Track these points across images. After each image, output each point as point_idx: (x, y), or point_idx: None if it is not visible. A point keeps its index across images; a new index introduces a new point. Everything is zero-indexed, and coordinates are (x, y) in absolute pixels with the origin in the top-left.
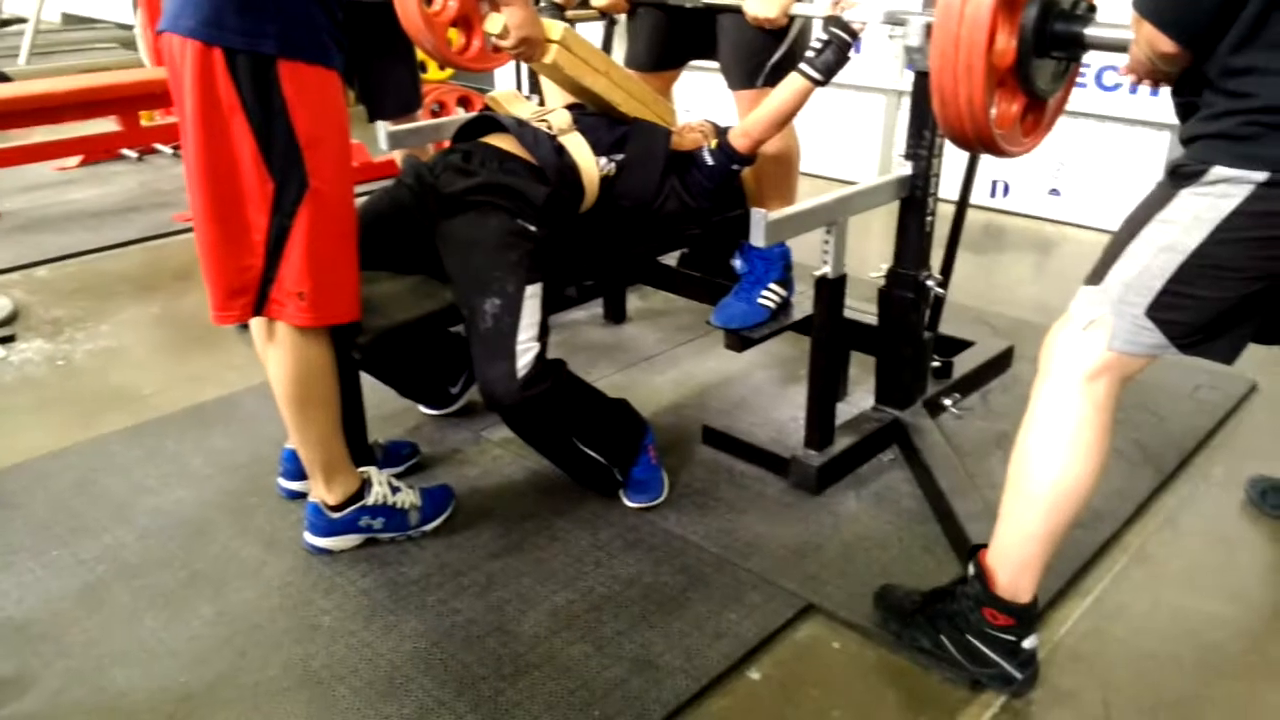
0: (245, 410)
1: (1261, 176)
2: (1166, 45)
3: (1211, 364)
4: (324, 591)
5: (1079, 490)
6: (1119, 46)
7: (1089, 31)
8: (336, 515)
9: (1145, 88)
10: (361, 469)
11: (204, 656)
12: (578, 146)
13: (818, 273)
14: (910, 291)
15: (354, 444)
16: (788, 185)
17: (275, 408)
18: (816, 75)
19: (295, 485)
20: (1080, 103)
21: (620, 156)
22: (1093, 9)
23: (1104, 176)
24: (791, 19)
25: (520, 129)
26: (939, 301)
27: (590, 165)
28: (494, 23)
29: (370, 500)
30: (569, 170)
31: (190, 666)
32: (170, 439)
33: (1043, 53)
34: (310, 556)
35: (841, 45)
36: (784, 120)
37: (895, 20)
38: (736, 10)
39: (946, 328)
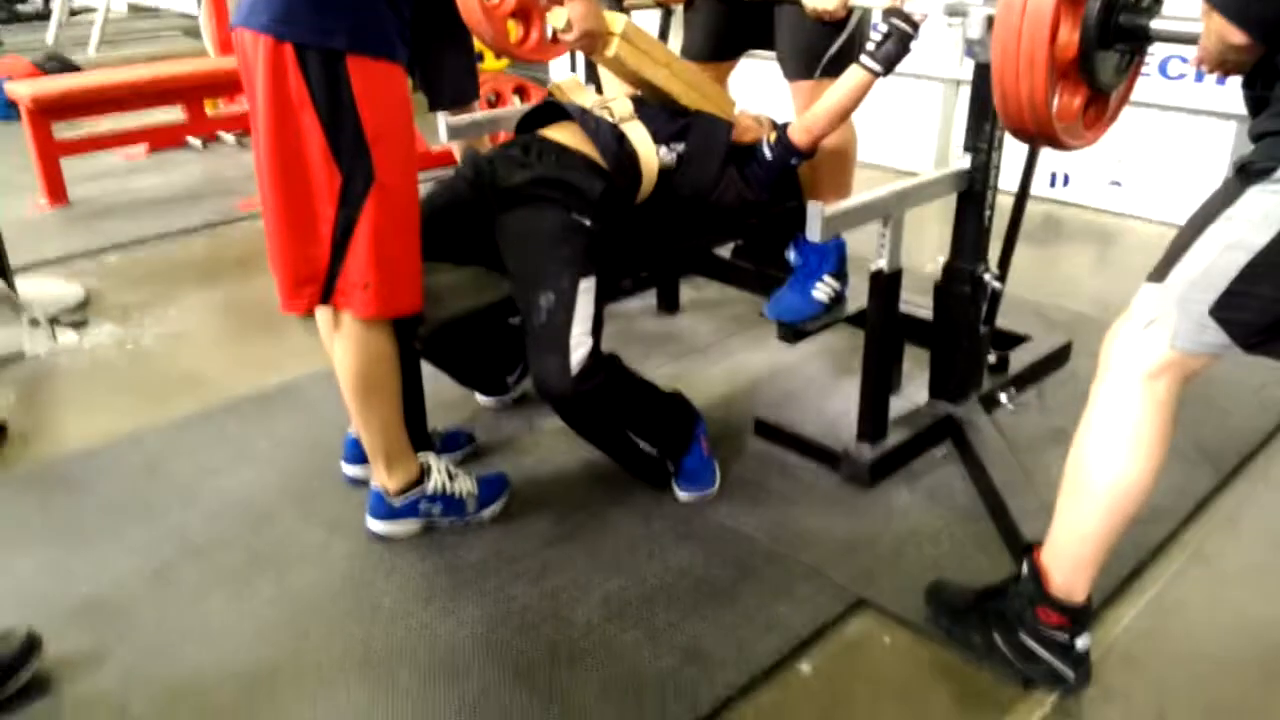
0: (307, 396)
1: None
2: (1237, 37)
3: (1277, 363)
4: (385, 574)
5: (1137, 490)
6: (1186, 39)
7: (1155, 24)
8: (397, 501)
9: (1210, 77)
10: (421, 455)
11: (268, 636)
12: (639, 135)
13: (873, 266)
14: (967, 286)
15: (414, 431)
16: (844, 178)
17: (337, 394)
18: (877, 68)
19: (356, 470)
20: (1143, 92)
21: (680, 147)
22: (1159, 1)
23: (1166, 168)
24: (850, 10)
25: (583, 115)
26: (996, 296)
27: (650, 154)
28: (558, 16)
29: (429, 487)
30: (628, 158)
31: (255, 645)
32: (235, 423)
33: (1106, 45)
34: (371, 541)
35: (902, 37)
36: (844, 114)
37: (956, 11)
38: (795, 2)
39: (1003, 321)
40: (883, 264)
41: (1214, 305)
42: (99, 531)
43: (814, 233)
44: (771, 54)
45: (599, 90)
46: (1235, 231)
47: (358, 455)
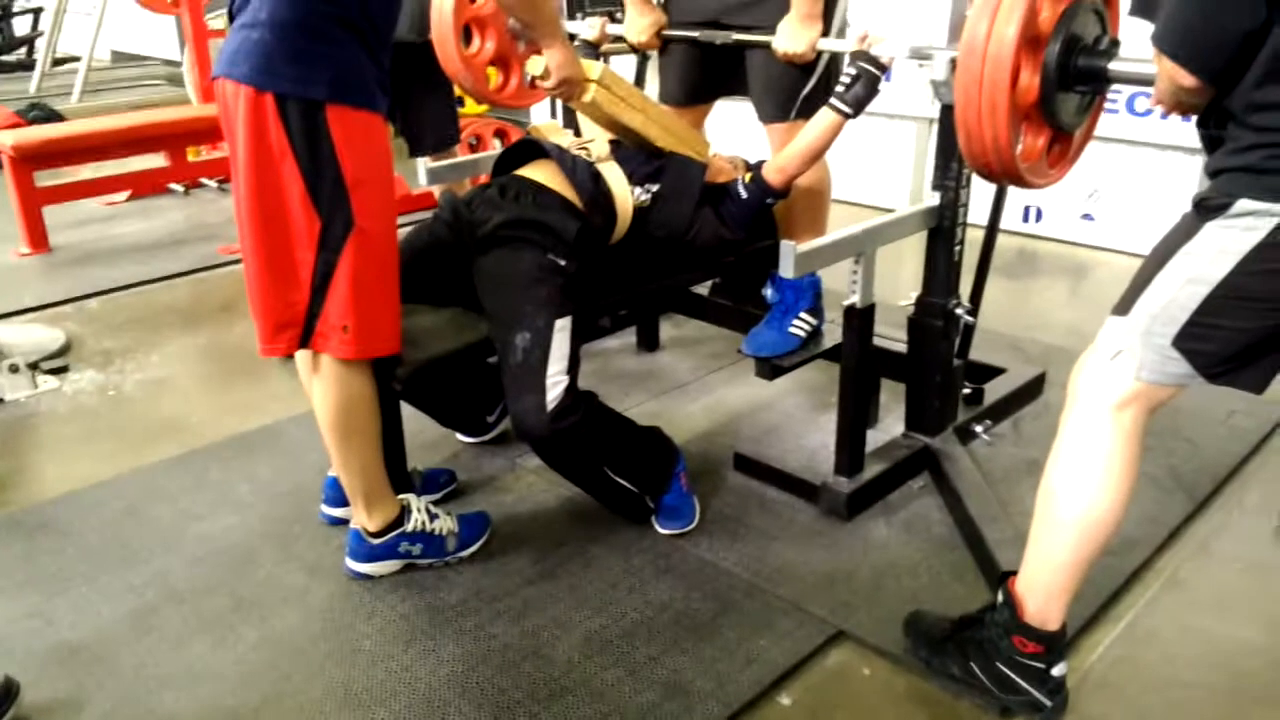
0: (288, 439)
1: None
2: (1187, 80)
3: (1244, 394)
4: (365, 616)
5: (1108, 520)
6: (1143, 81)
7: (1112, 66)
8: (377, 541)
9: (1174, 118)
10: (401, 496)
11: (249, 680)
12: (614, 175)
13: (846, 302)
14: (939, 320)
15: (394, 472)
16: (818, 215)
17: (317, 437)
18: (847, 109)
19: (337, 512)
20: (1112, 128)
21: (655, 187)
22: (1116, 44)
23: (1137, 201)
24: (820, 53)
25: (560, 154)
26: (969, 329)
27: (625, 194)
28: (535, 64)
29: (409, 527)
30: (604, 197)
31: (236, 689)
32: (216, 467)
33: (1066, 88)
34: (351, 582)
35: (870, 79)
36: (817, 155)
37: (921, 55)
38: (765, 46)
39: (978, 354)
40: (855, 299)
41: (1176, 337)
42: (79, 576)
43: (787, 269)
44: (744, 98)
45: (577, 134)
46: (1194, 266)
47: (338, 497)
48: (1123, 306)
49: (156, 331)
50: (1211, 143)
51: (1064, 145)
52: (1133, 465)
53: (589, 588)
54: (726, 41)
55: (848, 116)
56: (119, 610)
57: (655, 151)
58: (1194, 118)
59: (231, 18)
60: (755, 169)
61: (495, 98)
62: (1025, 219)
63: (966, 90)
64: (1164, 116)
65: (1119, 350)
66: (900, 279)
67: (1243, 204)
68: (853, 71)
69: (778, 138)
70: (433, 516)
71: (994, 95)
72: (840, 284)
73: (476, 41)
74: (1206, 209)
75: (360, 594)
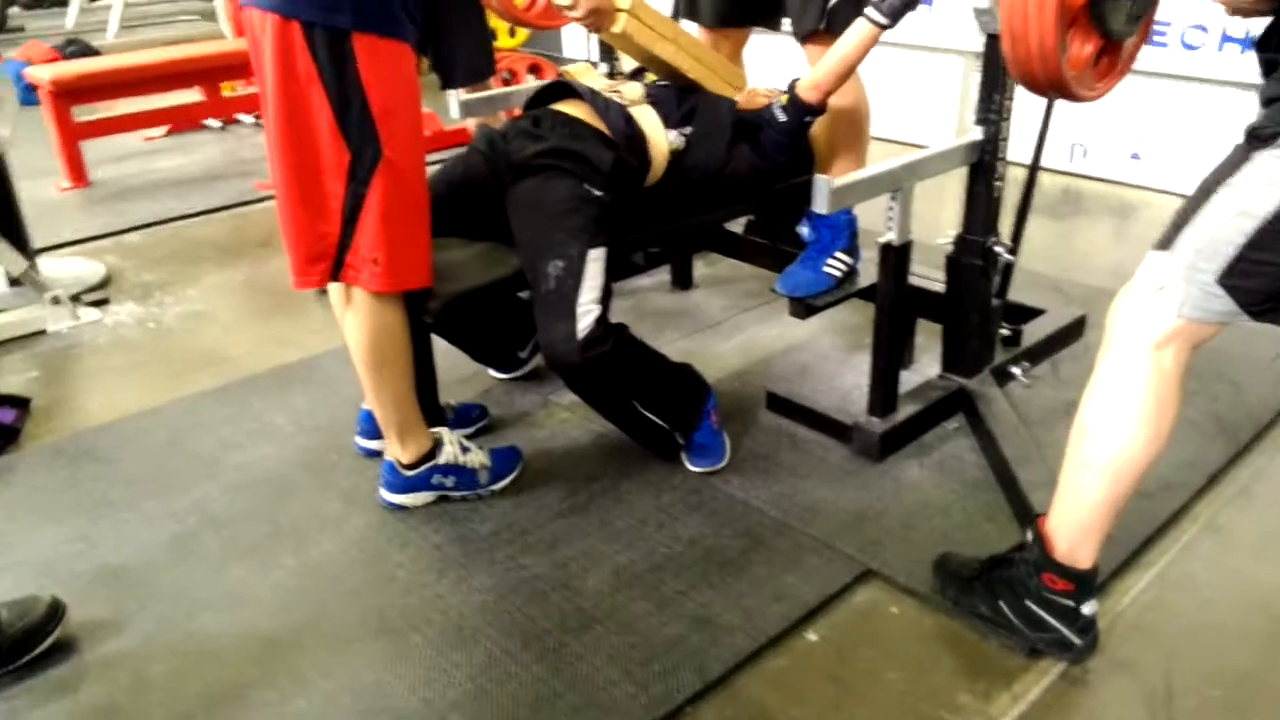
0: (325, 372)
1: None
2: None
3: None
4: (399, 546)
5: (1142, 459)
6: None
7: None
8: (410, 473)
9: (1232, 48)
10: (434, 429)
11: (286, 605)
12: (648, 118)
13: (882, 239)
14: (978, 258)
15: (426, 405)
16: (858, 144)
17: (353, 370)
18: (883, 20)
19: (372, 444)
20: (1162, 63)
21: (688, 130)
22: None
23: (1187, 140)
24: None
25: (593, 96)
26: (1008, 268)
27: (659, 137)
28: None
29: (442, 459)
30: (637, 139)
31: (273, 614)
32: (255, 399)
33: None
34: (386, 512)
35: None
36: (851, 67)
37: None
38: None
39: (1018, 295)
40: (892, 237)
41: (1222, 273)
42: (121, 502)
43: (821, 205)
44: (776, 32)
45: (612, 73)
46: (1242, 198)
47: (372, 429)
48: (1165, 241)
49: (195, 265)
50: (1270, 67)
51: (1113, 56)
52: (1170, 405)
53: (619, 523)
54: None
55: (884, 28)
56: (160, 535)
57: (687, 85)
58: (1250, 52)
59: None
60: (790, 89)
61: (522, 17)
62: (1071, 158)
63: None
64: (1221, 48)
65: (1161, 286)
66: (940, 218)
67: None
68: None
69: (815, 55)
70: (465, 450)
71: None
72: (877, 223)
73: None
74: (1258, 139)
75: (394, 524)
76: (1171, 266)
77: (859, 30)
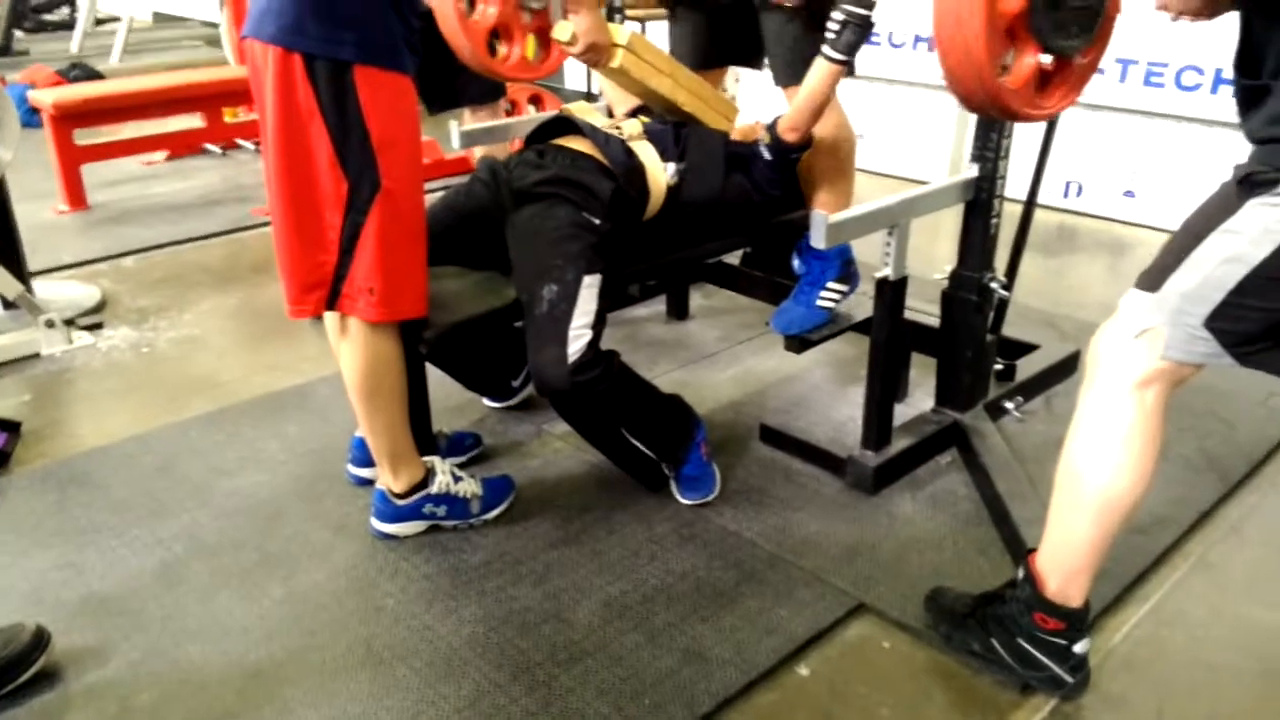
0: (318, 399)
1: None
2: None
3: None
4: (389, 575)
5: (1129, 497)
6: None
7: None
8: (402, 502)
9: (1226, 91)
10: (426, 458)
11: (274, 634)
12: (647, 153)
13: (879, 274)
14: (973, 294)
15: (419, 434)
16: (843, 179)
17: (346, 397)
18: (839, 56)
19: (363, 472)
20: (1158, 103)
21: (682, 165)
22: None
23: (1180, 178)
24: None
25: (594, 131)
26: (1003, 304)
27: (657, 171)
28: (563, 30)
29: (434, 488)
30: (637, 173)
31: (261, 643)
32: (247, 425)
33: (1056, 1)
34: (376, 541)
35: (859, 22)
36: (820, 106)
37: None
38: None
39: (1012, 330)
40: (888, 272)
41: (1209, 317)
42: (109, 529)
43: (818, 240)
44: (756, 69)
45: (610, 113)
46: (1234, 245)
47: (364, 457)
48: (1151, 282)
49: (190, 290)
50: (1249, 95)
51: (1062, 73)
52: (1154, 442)
53: (611, 554)
54: None
55: (841, 64)
56: (148, 563)
57: (682, 118)
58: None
59: None
60: (771, 128)
61: (497, 68)
62: (1065, 194)
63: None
64: (1215, 89)
65: (1145, 328)
66: (935, 253)
67: None
68: (839, 17)
69: (793, 96)
70: (457, 479)
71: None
72: (875, 257)
73: (479, 7)
74: (1251, 183)
75: (384, 553)
76: (1156, 309)
77: (819, 69)
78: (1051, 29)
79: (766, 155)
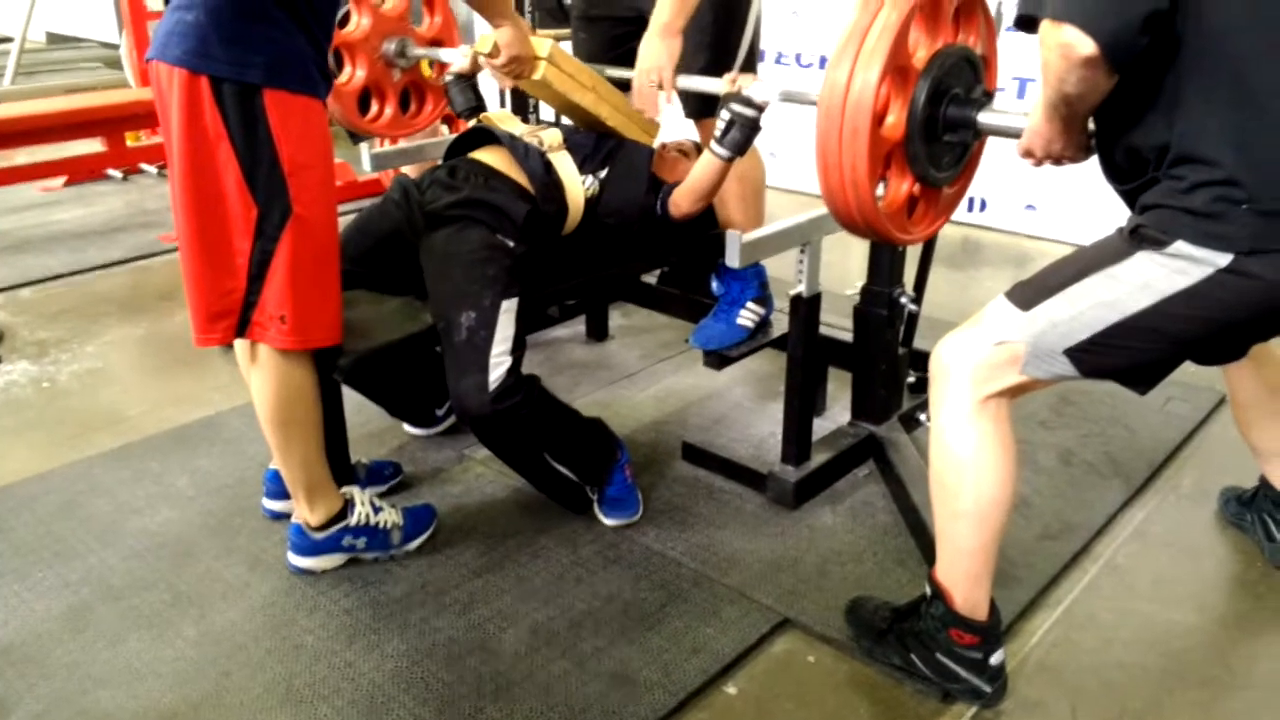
0: (230, 431)
1: (1224, 261)
2: (1086, 46)
3: (1182, 376)
4: (307, 611)
5: (1003, 498)
6: (1017, 134)
7: (983, 117)
8: (319, 535)
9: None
10: (344, 489)
11: (188, 677)
12: (565, 166)
13: (792, 291)
14: (884, 309)
15: (336, 464)
16: (753, 205)
17: (259, 429)
18: (725, 154)
19: (279, 506)
20: None
21: (603, 174)
22: (989, 95)
23: (1080, 193)
24: (735, 52)
25: (512, 142)
26: (913, 318)
27: (575, 185)
28: (484, 42)
29: (352, 520)
30: (555, 187)
31: (174, 687)
32: (156, 460)
33: (934, 137)
34: (293, 577)
35: (746, 122)
36: (707, 194)
37: (794, 99)
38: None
39: (924, 343)
40: (802, 289)
41: (1071, 348)
42: (11, 573)
43: (733, 259)
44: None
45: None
46: (1114, 291)
47: (279, 490)
48: (1024, 300)
49: (93, 321)
50: (1132, 192)
51: (929, 201)
52: (1010, 441)
53: (536, 579)
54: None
55: (728, 161)
56: (53, 608)
57: (606, 132)
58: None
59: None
60: (665, 196)
61: (368, 128)
62: (970, 209)
63: (828, 113)
64: (1036, 165)
65: (1004, 340)
66: (847, 268)
67: (1180, 246)
68: (727, 115)
69: (704, 132)
70: (377, 509)
71: (856, 123)
72: (788, 273)
73: (346, 70)
74: (1141, 238)
75: (302, 589)
76: (1023, 327)
77: (706, 163)
78: (926, 159)
79: (658, 210)
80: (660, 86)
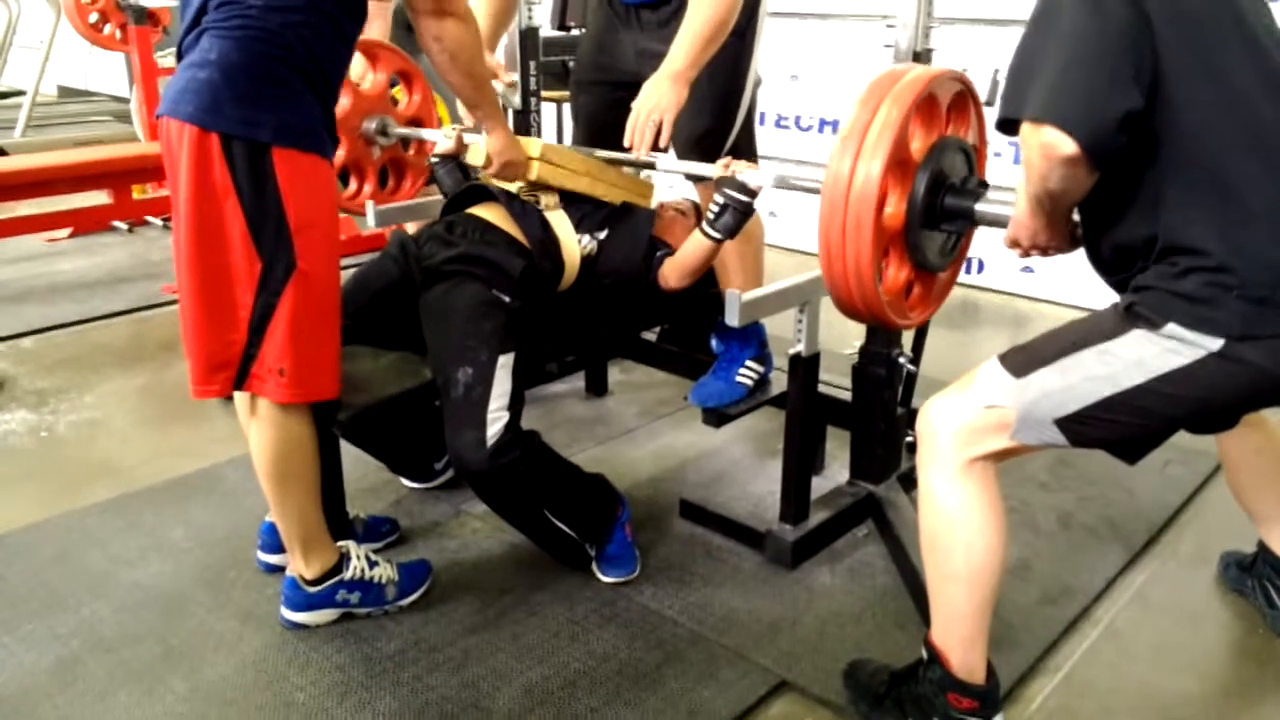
0: (227, 483)
1: (1215, 345)
2: (1068, 146)
3: (1180, 440)
4: (299, 668)
5: (995, 560)
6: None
7: (979, 207)
8: (313, 589)
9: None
10: (340, 543)
11: None
12: (562, 224)
13: (791, 350)
14: (882, 369)
15: (333, 518)
16: (753, 264)
17: (256, 481)
18: (718, 236)
19: (274, 559)
20: None
21: (602, 235)
22: (984, 185)
23: (1076, 256)
24: (737, 108)
25: (509, 200)
26: (911, 378)
27: (571, 243)
28: (475, 154)
29: (347, 575)
30: (551, 245)
31: None
32: (151, 512)
33: (933, 224)
34: (286, 631)
35: (739, 207)
36: (696, 272)
37: (787, 185)
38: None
39: (921, 402)
40: (801, 348)
41: (1062, 418)
42: (2, 624)
43: (732, 318)
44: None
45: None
46: (1107, 366)
47: (275, 543)
48: (1018, 367)
49: (93, 371)
50: (1124, 285)
51: (925, 286)
52: (998, 503)
53: (531, 637)
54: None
55: (719, 242)
56: (42, 660)
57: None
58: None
59: (180, 56)
60: (656, 264)
61: (346, 206)
62: (967, 270)
63: (832, 204)
64: (1023, 255)
65: (996, 404)
66: (846, 328)
67: (1173, 328)
68: (720, 200)
69: (703, 194)
70: (372, 564)
71: (860, 214)
72: (787, 331)
73: None
74: (1136, 315)
75: (295, 644)
76: (1014, 394)
77: (697, 242)
78: (926, 247)
79: (649, 275)
80: (659, 130)
